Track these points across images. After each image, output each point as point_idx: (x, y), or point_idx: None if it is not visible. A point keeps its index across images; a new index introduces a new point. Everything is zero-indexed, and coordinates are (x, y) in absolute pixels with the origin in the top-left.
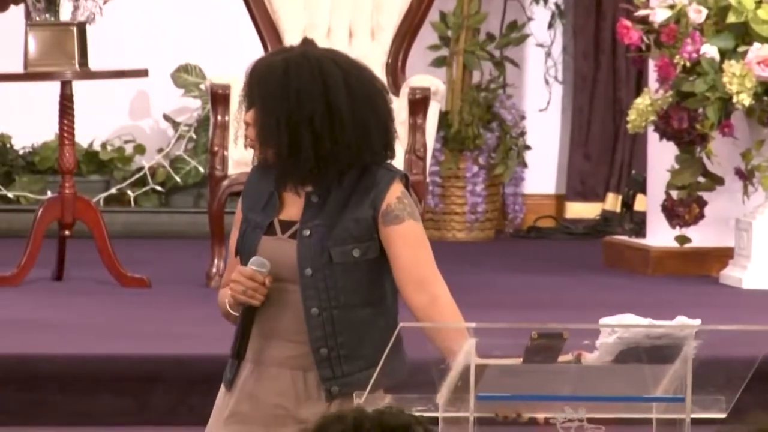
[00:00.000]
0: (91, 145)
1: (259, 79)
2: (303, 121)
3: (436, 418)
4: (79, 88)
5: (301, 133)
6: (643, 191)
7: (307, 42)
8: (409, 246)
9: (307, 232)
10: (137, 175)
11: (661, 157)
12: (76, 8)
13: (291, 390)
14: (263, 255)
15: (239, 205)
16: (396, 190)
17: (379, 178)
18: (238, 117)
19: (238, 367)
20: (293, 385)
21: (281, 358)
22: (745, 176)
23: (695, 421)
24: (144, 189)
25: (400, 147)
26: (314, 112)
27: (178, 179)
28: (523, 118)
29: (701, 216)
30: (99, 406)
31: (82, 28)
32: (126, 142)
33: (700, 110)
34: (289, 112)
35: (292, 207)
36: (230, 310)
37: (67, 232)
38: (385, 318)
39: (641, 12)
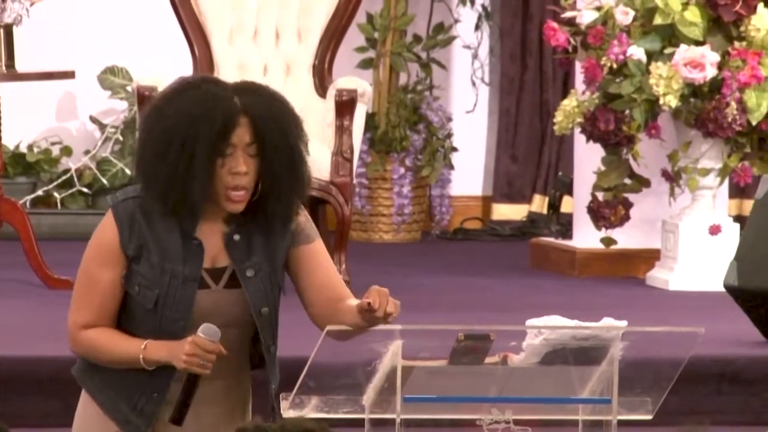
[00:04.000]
0: (17, 146)
1: (274, 123)
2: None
3: (362, 420)
4: (5, 89)
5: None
6: (570, 193)
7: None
8: (323, 265)
9: (251, 273)
10: (64, 177)
11: (588, 158)
12: (2, 10)
13: (229, 416)
14: (203, 310)
15: (114, 244)
16: (300, 208)
17: (284, 209)
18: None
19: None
20: (232, 413)
21: (215, 395)
22: (672, 178)
23: (622, 423)
24: (71, 191)
25: (327, 149)
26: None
27: (104, 181)
28: (449, 119)
29: (627, 218)
30: (26, 407)
31: (8, 29)
32: (53, 143)
33: (627, 112)
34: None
35: (211, 251)
36: (145, 366)
37: None
38: None
39: (568, 14)
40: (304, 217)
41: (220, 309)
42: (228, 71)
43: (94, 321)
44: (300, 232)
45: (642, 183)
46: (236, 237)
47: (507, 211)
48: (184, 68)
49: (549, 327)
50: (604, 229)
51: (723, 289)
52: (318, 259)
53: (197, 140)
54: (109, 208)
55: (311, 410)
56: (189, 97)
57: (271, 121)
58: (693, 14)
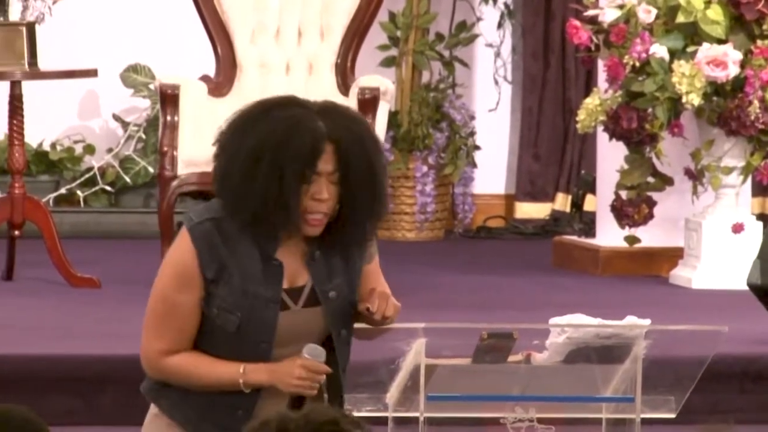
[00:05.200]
0: (40, 145)
1: (358, 149)
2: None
3: (386, 418)
4: (28, 88)
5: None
6: (593, 191)
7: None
8: (377, 278)
9: (333, 294)
10: (87, 175)
11: (611, 157)
12: (25, 8)
13: None
14: (284, 332)
15: (193, 267)
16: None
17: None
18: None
19: None
20: None
21: None
22: (695, 176)
23: (645, 421)
24: (93, 189)
25: None
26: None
27: (127, 179)
28: (472, 118)
29: (650, 216)
30: (48, 405)
31: (31, 28)
32: (75, 142)
33: (650, 110)
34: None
35: (289, 270)
36: (244, 389)
37: (16, 233)
38: None
39: (590, 12)
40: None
41: (299, 329)
42: (250, 70)
43: (176, 347)
44: (370, 254)
45: (665, 181)
46: (317, 254)
47: (530, 210)
48: (207, 67)
49: (572, 325)
50: (627, 228)
51: (746, 288)
52: (372, 278)
53: (286, 165)
54: (185, 230)
55: None
56: (275, 117)
57: (355, 147)
58: (715, 12)
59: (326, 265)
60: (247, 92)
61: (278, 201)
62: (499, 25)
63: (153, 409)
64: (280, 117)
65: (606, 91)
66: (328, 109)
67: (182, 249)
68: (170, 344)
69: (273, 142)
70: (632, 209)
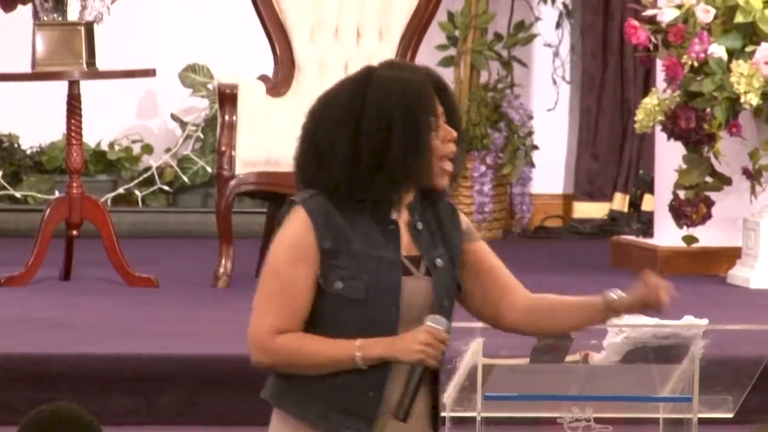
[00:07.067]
0: (98, 144)
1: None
2: None
3: (443, 418)
4: (86, 87)
5: None
6: (651, 191)
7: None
8: (493, 256)
9: (440, 262)
10: (145, 175)
11: (669, 156)
12: (83, 8)
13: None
14: (408, 298)
15: (308, 240)
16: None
17: (443, 198)
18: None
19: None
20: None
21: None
22: (753, 176)
23: (702, 421)
24: (151, 189)
25: None
26: None
27: (185, 179)
28: (530, 117)
29: (709, 216)
30: (107, 405)
31: (89, 27)
32: (134, 141)
33: (708, 110)
34: None
35: (403, 239)
36: (362, 364)
37: (74, 232)
38: None
39: (649, 12)
40: (465, 216)
41: (419, 298)
42: (309, 70)
43: (288, 326)
44: (470, 231)
45: (723, 181)
46: (419, 225)
47: (588, 209)
48: (265, 66)
49: (630, 325)
50: (685, 228)
51: None
52: (488, 255)
53: (420, 119)
54: (298, 206)
55: None
56: (380, 82)
57: (442, 83)
58: None
59: (429, 235)
60: (305, 92)
61: (418, 156)
62: (558, 25)
63: (279, 420)
64: (386, 79)
65: (664, 91)
66: (397, 63)
67: (296, 223)
68: (281, 322)
69: (395, 104)
70: (690, 209)
